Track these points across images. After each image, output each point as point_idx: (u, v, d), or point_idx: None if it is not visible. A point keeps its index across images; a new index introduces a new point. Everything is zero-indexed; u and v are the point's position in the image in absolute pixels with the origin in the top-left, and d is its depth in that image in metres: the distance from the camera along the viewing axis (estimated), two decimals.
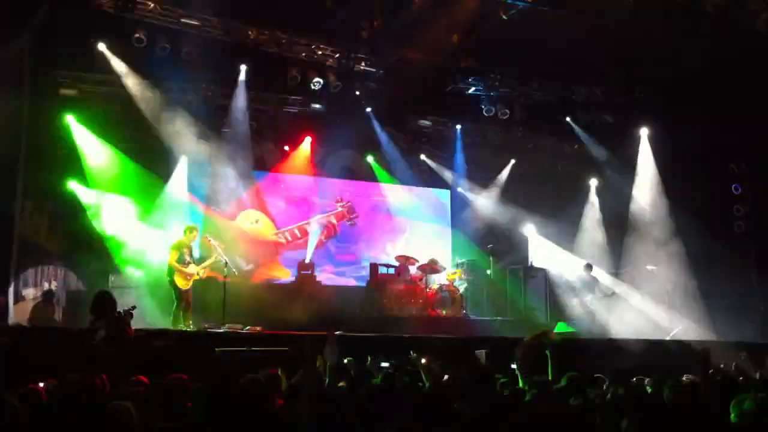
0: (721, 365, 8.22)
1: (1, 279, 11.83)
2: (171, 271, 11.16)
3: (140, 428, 3.98)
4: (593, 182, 17.62)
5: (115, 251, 13.41)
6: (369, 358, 6.74)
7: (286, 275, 15.41)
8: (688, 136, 14.67)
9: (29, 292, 13.11)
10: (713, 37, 13.30)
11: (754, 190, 15.21)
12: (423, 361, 6.66)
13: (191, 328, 10.89)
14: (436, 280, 14.65)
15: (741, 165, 15.46)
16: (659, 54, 14.35)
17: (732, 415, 4.44)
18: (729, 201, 15.37)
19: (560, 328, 13.91)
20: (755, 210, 15.09)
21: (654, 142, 16.42)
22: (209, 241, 12.00)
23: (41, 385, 5.08)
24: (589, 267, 15.23)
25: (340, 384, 5.81)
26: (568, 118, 16.57)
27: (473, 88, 15.43)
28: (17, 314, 12.48)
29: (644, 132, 16.56)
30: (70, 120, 13.42)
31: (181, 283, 11.13)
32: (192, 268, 11.22)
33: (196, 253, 12.11)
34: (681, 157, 14.97)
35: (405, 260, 14.77)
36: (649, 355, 10.33)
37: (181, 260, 11.16)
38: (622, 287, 15.28)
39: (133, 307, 8.31)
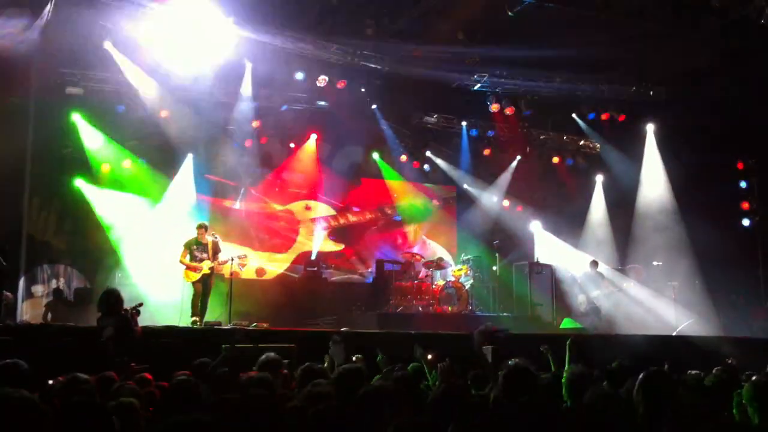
0: (729, 360, 8.19)
1: (10, 277, 11.87)
2: (182, 268, 11.43)
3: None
4: (599, 178, 17.60)
5: (122, 248, 13.49)
6: (379, 355, 6.70)
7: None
8: (694, 132, 14.63)
9: (38, 289, 13.20)
10: (720, 33, 13.25)
11: (761, 186, 15.16)
12: (429, 357, 6.63)
13: (197, 325, 10.93)
14: (442, 277, 14.65)
15: (748, 160, 15.41)
16: (665, 49, 14.29)
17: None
18: (736, 197, 15.32)
19: (566, 324, 13.90)
20: (762, 205, 15.03)
21: (660, 137, 16.38)
22: (215, 237, 12.03)
23: (50, 382, 5.10)
24: (594, 264, 15.20)
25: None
26: (574, 114, 16.55)
27: (479, 85, 15.38)
28: (26, 311, 12.55)
29: (650, 128, 16.53)
30: (77, 118, 13.48)
31: (188, 276, 11.34)
32: (204, 264, 11.31)
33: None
34: (687, 153, 14.91)
35: (411, 257, 14.79)
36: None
37: (191, 257, 11.32)
38: (628, 283, 15.25)
39: (140, 304, 8.34)
